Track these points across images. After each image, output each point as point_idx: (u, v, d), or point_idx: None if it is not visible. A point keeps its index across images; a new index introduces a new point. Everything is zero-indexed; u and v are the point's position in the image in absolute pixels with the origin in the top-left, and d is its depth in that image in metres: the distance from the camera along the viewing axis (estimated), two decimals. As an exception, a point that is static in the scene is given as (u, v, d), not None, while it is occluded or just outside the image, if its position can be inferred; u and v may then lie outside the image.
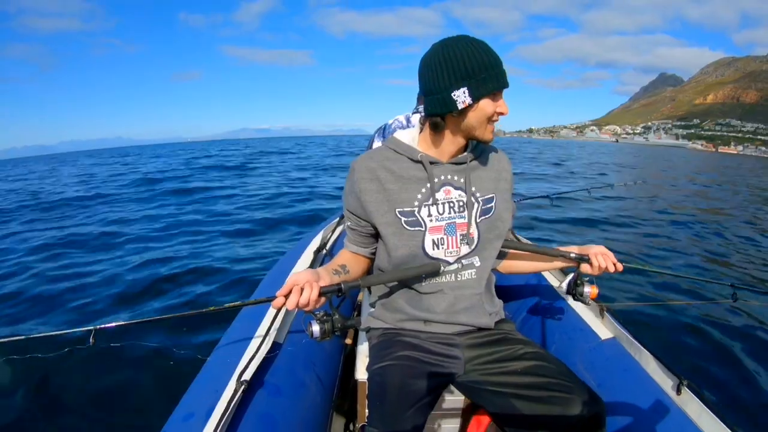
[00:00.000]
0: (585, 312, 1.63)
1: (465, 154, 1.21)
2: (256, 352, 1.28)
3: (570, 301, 1.71)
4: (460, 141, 1.18)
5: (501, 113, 1.13)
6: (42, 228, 7.80)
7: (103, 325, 1.17)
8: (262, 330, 1.40)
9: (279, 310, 1.38)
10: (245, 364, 1.23)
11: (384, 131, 1.90)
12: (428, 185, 1.19)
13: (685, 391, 1.19)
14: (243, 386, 1.15)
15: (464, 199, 1.21)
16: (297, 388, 1.32)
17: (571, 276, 1.36)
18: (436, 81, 1.10)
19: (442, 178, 1.20)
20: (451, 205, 1.21)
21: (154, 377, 2.69)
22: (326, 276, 1.11)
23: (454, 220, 1.21)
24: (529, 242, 1.50)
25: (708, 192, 13.11)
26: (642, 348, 1.37)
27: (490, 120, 1.13)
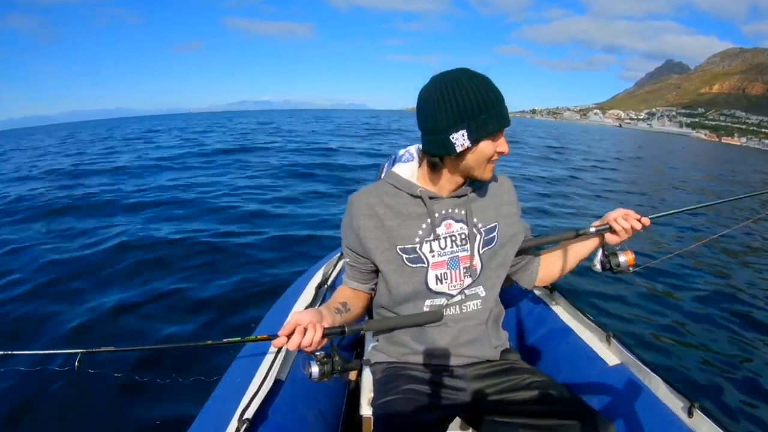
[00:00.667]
0: (591, 339, 1.62)
1: (464, 187, 1.18)
2: (258, 389, 1.27)
3: (575, 328, 1.69)
4: (459, 179, 1.16)
5: (501, 153, 1.09)
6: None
7: (90, 350, 1.16)
8: (263, 367, 1.39)
9: (281, 348, 1.35)
10: (247, 402, 1.22)
11: (393, 162, 1.79)
12: (429, 221, 1.17)
13: (697, 413, 1.18)
14: (245, 425, 1.15)
15: (466, 232, 1.19)
16: (300, 426, 1.31)
17: (599, 253, 1.28)
18: (434, 121, 1.06)
19: (443, 212, 1.18)
20: (453, 238, 1.19)
21: (142, 410, 2.55)
22: (329, 316, 1.09)
23: (456, 254, 1.19)
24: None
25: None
26: (651, 372, 1.35)
27: (489, 160, 1.09)
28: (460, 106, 1.04)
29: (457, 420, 1.27)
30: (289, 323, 0.99)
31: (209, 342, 1.22)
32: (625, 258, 1.23)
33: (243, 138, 22.23)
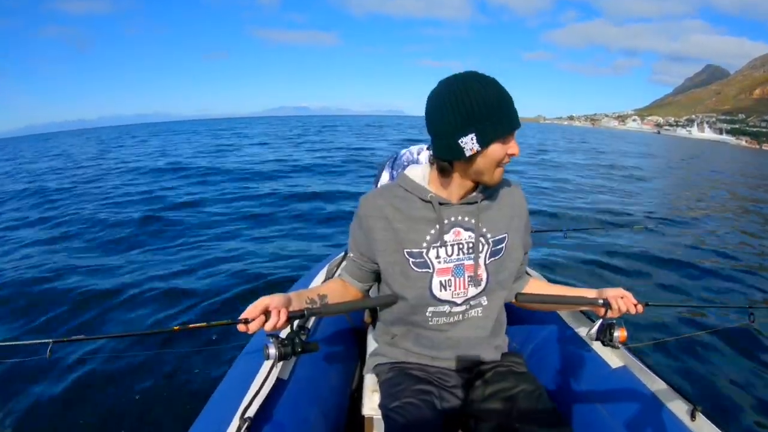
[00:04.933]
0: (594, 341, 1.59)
1: (475, 194, 1.19)
2: (260, 388, 1.27)
3: (579, 330, 1.70)
4: (469, 184, 1.18)
5: (512, 155, 1.09)
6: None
7: (61, 339, 1.10)
8: (265, 366, 1.38)
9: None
10: (249, 400, 1.22)
11: (394, 162, 1.88)
12: (437, 227, 1.18)
13: (700, 416, 1.18)
14: (246, 423, 1.14)
15: (473, 241, 1.19)
16: (302, 425, 1.31)
17: (598, 324, 1.31)
18: (443, 124, 1.07)
19: (452, 219, 1.19)
20: (460, 246, 1.20)
21: (112, 396, 2.62)
22: (297, 303, 1.14)
23: (462, 262, 1.20)
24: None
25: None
26: (653, 375, 1.36)
27: (499, 164, 1.09)
28: (468, 109, 1.03)
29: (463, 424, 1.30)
30: (256, 306, 1.04)
31: (176, 327, 1.17)
32: (618, 334, 1.26)
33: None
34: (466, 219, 1.22)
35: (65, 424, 2.50)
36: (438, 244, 1.20)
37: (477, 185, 1.21)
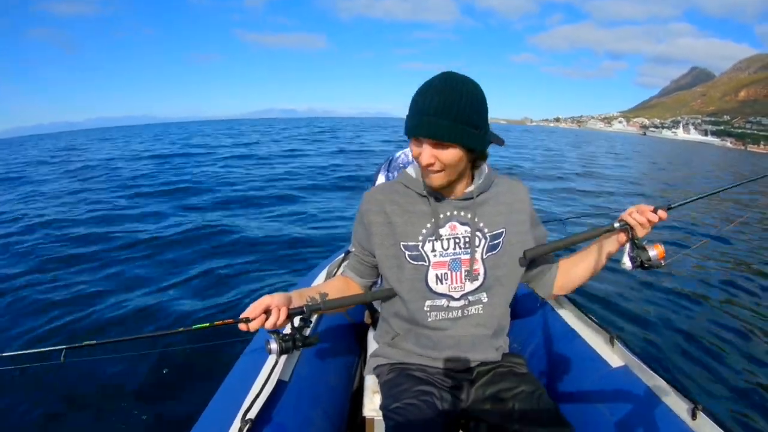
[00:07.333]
0: (595, 340, 1.60)
1: (471, 189, 1.19)
2: (261, 389, 1.27)
3: (579, 329, 1.68)
4: (458, 182, 1.18)
5: (419, 161, 1.09)
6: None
7: (73, 346, 1.12)
8: (266, 367, 1.39)
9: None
10: (250, 402, 1.22)
11: (389, 165, 1.90)
12: (433, 220, 1.18)
13: (700, 415, 1.17)
14: (248, 425, 1.13)
15: (469, 235, 1.19)
16: (303, 426, 1.30)
17: (627, 250, 1.20)
18: (486, 118, 1.08)
19: (448, 214, 1.19)
20: (457, 240, 1.20)
21: (127, 398, 2.69)
22: (298, 301, 1.15)
23: (459, 256, 1.20)
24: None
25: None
26: (654, 374, 1.35)
27: (422, 165, 1.09)
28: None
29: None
30: (257, 305, 1.06)
31: (180, 329, 1.18)
32: (655, 252, 1.15)
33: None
34: (462, 214, 1.22)
35: (75, 424, 2.55)
36: (433, 237, 1.20)
37: (472, 181, 1.23)
